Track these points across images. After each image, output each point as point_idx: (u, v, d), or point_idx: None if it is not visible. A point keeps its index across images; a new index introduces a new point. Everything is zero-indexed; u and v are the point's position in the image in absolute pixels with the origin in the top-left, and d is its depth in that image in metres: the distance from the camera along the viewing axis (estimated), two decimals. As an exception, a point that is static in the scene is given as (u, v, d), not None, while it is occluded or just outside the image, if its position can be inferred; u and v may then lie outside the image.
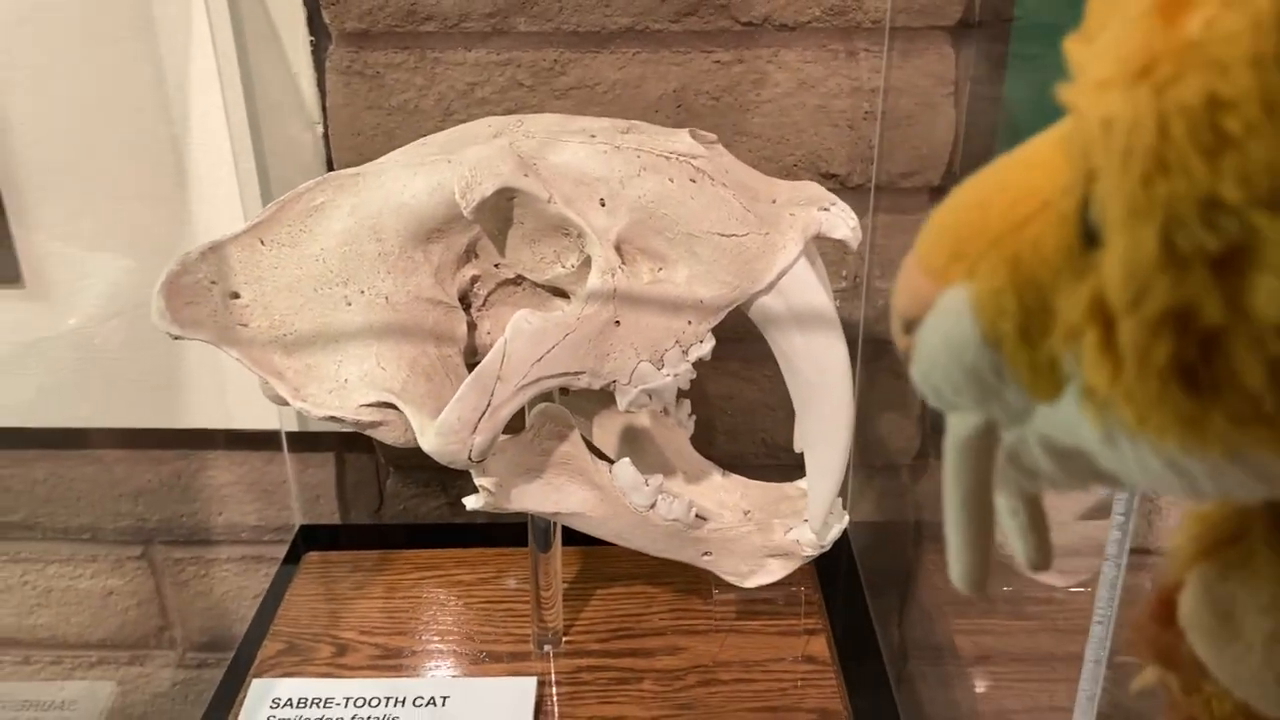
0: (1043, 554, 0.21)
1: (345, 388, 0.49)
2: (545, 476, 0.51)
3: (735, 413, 0.74)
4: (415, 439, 0.48)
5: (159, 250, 0.65)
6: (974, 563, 0.21)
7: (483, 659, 0.60)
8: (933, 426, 0.74)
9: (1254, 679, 0.20)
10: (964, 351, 0.18)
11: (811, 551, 0.56)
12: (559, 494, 0.51)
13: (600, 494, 0.52)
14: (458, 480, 0.77)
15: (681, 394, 0.57)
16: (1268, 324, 0.13)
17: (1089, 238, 0.16)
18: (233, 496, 0.81)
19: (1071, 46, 0.17)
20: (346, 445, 0.77)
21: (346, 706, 0.55)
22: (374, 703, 0.55)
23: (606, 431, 0.60)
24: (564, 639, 0.62)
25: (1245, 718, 0.23)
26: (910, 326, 0.20)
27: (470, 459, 0.46)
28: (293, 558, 0.71)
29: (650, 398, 0.49)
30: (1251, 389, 0.14)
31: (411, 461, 0.76)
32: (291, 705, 0.55)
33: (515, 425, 0.49)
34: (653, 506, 0.52)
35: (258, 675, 0.58)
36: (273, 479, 0.80)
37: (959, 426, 0.20)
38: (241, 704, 0.56)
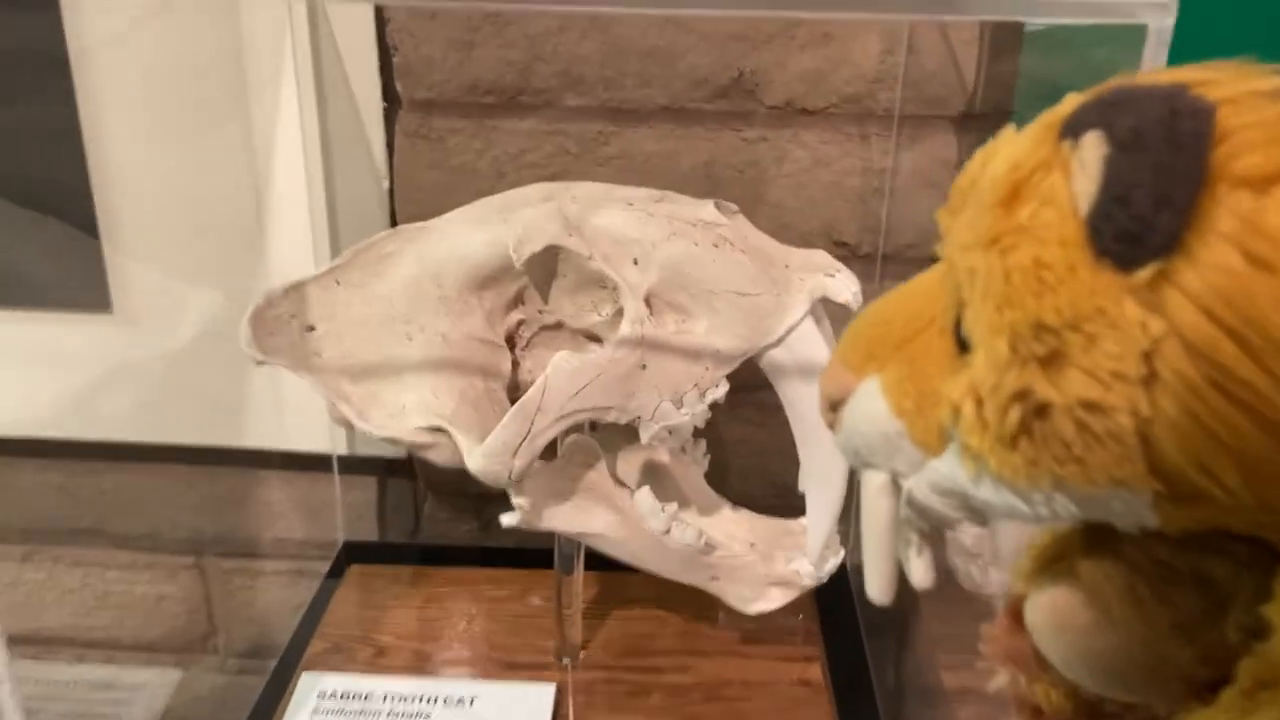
0: (926, 574, 0.29)
1: (403, 413, 0.56)
2: (573, 500, 0.57)
3: (748, 455, 0.80)
4: (462, 460, 0.55)
5: (237, 288, 0.72)
6: (886, 577, 0.29)
7: (506, 667, 0.66)
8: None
9: (1081, 660, 0.27)
10: (877, 422, 0.26)
11: (809, 581, 0.62)
12: (584, 516, 0.58)
13: (621, 518, 0.58)
14: (489, 506, 0.84)
15: (697, 433, 0.64)
16: (1075, 399, 0.21)
17: (962, 345, 0.24)
18: (282, 513, 0.87)
19: (941, 216, 0.25)
20: (389, 470, 0.84)
21: (385, 701, 0.61)
22: (409, 700, 0.61)
23: (629, 465, 0.66)
24: (581, 653, 0.68)
25: (1073, 700, 0.30)
26: (835, 406, 0.28)
27: (510, 479, 0.53)
28: (336, 570, 0.78)
29: (669, 433, 0.55)
30: (1067, 440, 0.21)
31: (449, 488, 0.83)
32: (336, 698, 0.61)
33: (548, 454, 0.56)
34: (667, 532, 0.58)
35: (305, 670, 0.64)
36: (319, 499, 0.86)
37: (872, 480, 0.28)
38: (291, 694, 0.62)
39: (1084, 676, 0.27)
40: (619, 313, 0.54)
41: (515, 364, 0.59)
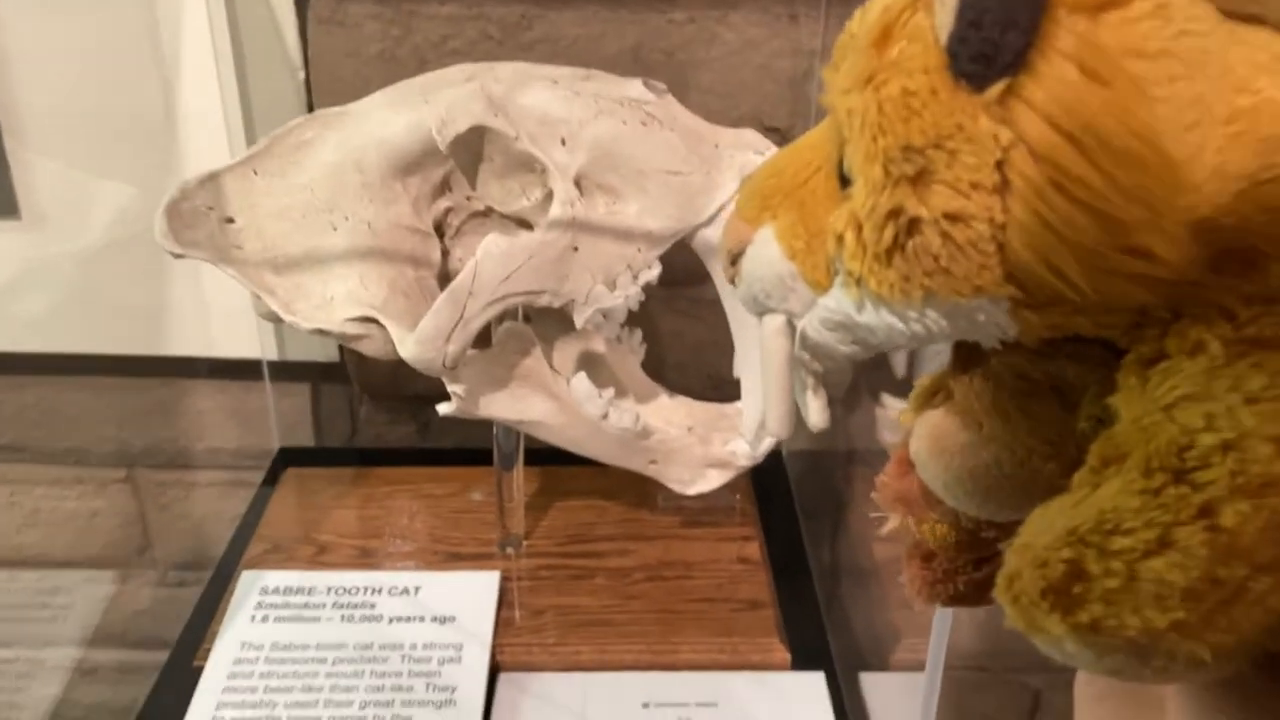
0: (822, 414, 0.31)
1: (331, 304, 0.54)
2: (510, 387, 0.57)
3: (683, 349, 0.80)
4: (394, 351, 0.54)
5: (151, 184, 0.70)
6: (786, 411, 0.31)
7: (450, 558, 0.67)
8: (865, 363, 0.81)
9: (958, 482, 0.29)
10: (772, 265, 0.28)
11: (745, 461, 0.63)
12: (522, 404, 0.58)
13: (559, 404, 0.58)
14: (426, 408, 0.83)
15: (632, 322, 0.64)
16: (940, 211, 0.22)
17: (844, 182, 0.25)
18: (214, 423, 0.86)
19: (826, 73, 0.27)
20: (323, 376, 0.83)
21: (329, 595, 0.61)
22: (353, 592, 0.62)
23: (565, 355, 0.66)
24: (524, 543, 0.68)
25: (956, 530, 0.32)
26: (734, 259, 0.30)
27: (444, 365, 0.52)
28: (272, 477, 0.77)
29: (604, 317, 0.55)
30: (934, 252, 0.23)
31: (385, 390, 0.82)
32: (279, 593, 0.61)
33: (483, 343, 0.56)
34: (605, 416, 0.59)
35: (245, 570, 0.64)
36: (252, 407, 0.85)
37: (770, 322, 0.29)
38: (231, 595, 0.62)
39: (962, 498, 0.29)
40: (548, 197, 0.53)
41: (445, 253, 0.58)
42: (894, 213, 0.23)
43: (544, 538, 0.69)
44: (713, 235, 0.55)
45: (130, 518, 0.89)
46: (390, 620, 0.60)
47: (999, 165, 0.21)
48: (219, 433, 0.86)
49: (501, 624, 0.61)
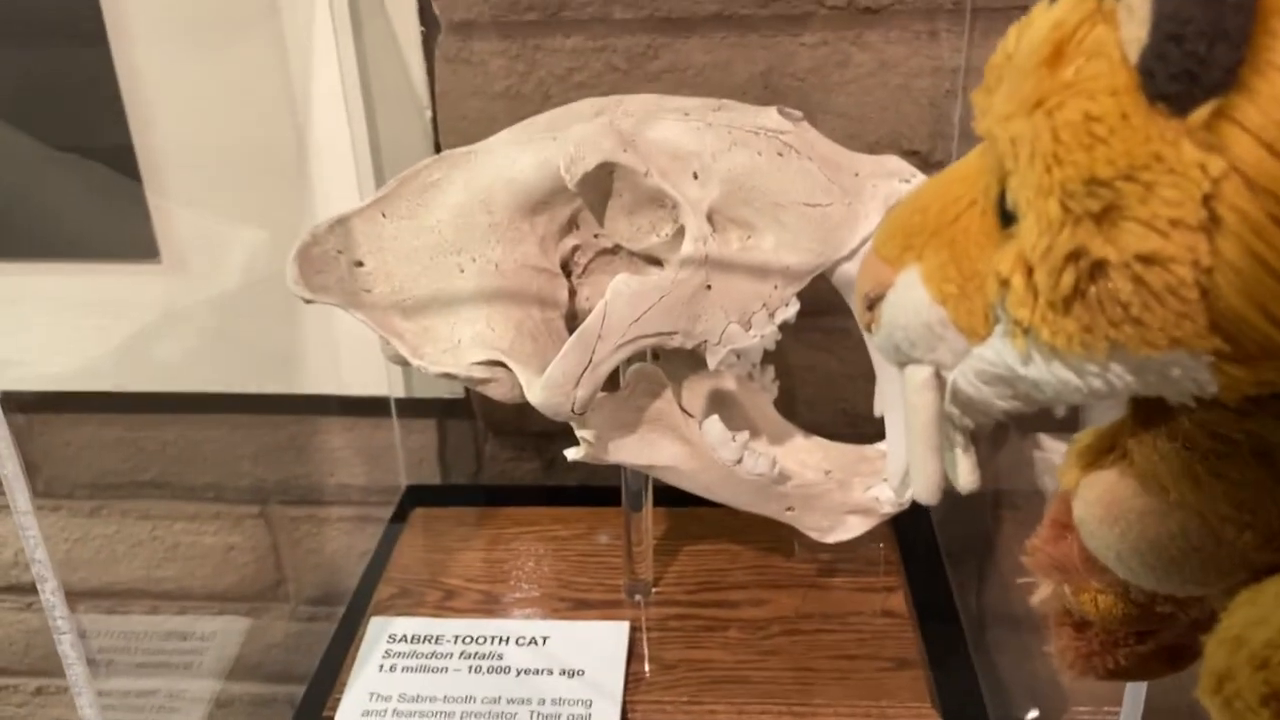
0: (972, 473, 0.28)
1: (459, 348, 0.53)
2: (640, 431, 0.55)
3: (816, 383, 0.77)
4: (522, 394, 0.53)
5: (283, 227, 0.70)
6: (934, 476, 0.28)
7: (577, 605, 0.65)
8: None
9: (1134, 552, 0.26)
10: (919, 312, 0.25)
11: (890, 509, 0.59)
12: (652, 448, 0.55)
13: (690, 449, 0.56)
14: (552, 445, 0.82)
15: (766, 359, 0.61)
16: (1132, 253, 0.20)
17: (1006, 219, 0.23)
18: (344, 459, 0.87)
19: (977, 97, 0.24)
20: (448, 412, 0.83)
21: (456, 644, 0.60)
22: (480, 640, 0.60)
23: (695, 395, 0.63)
24: (654, 590, 0.66)
25: (1124, 602, 0.29)
26: (872, 304, 0.27)
27: (573, 411, 0.50)
28: (400, 514, 0.77)
29: (738, 357, 0.52)
30: (1123, 300, 0.20)
31: (510, 427, 0.81)
32: (406, 640, 0.60)
33: (611, 385, 0.53)
34: (739, 461, 0.56)
35: (374, 615, 0.63)
36: (380, 443, 0.85)
37: (916, 375, 0.27)
38: (361, 640, 0.61)
39: (1138, 570, 0.26)
40: (679, 232, 0.51)
41: (572, 292, 0.56)
42: (1075, 254, 0.20)
43: (674, 584, 0.66)
44: (854, 270, 0.51)
45: (264, 552, 0.90)
46: (518, 673, 0.58)
47: (1207, 199, 0.19)
48: (348, 469, 0.87)
49: (631, 678, 0.59)
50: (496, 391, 0.53)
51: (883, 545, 0.67)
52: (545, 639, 0.60)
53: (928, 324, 0.25)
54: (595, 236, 0.55)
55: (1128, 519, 0.26)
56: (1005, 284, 0.22)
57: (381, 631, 0.61)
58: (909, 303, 0.26)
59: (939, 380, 0.26)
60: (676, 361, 0.62)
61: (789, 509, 0.59)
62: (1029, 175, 0.21)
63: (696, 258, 0.50)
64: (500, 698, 0.56)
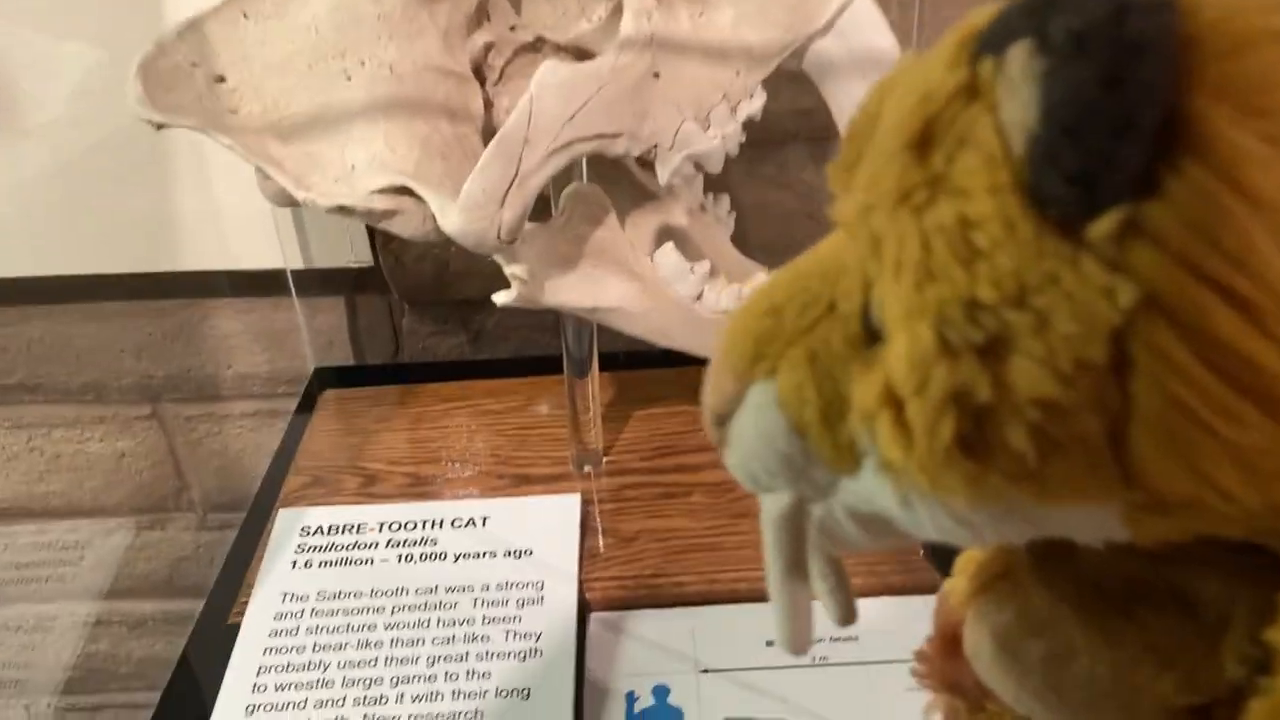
0: (848, 610, 0.24)
1: (353, 174, 0.43)
2: (581, 267, 0.46)
3: (771, 224, 0.68)
4: (434, 228, 0.43)
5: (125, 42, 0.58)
6: (799, 626, 0.24)
7: (519, 482, 0.57)
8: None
9: (1036, 697, 0.23)
10: (775, 439, 0.21)
11: (870, 345, 0.52)
12: (596, 286, 0.47)
13: (641, 286, 0.47)
14: (477, 315, 0.73)
15: (718, 187, 0.52)
16: (1025, 398, 0.16)
17: (871, 334, 0.19)
18: (241, 347, 0.76)
19: (832, 171, 0.20)
20: (357, 285, 0.73)
21: (381, 531, 0.52)
22: (410, 526, 0.52)
23: (640, 232, 0.54)
24: (605, 459, 0.58)
25: None
26: (721, 420, 0.23)
27: (499, 238, 0.41)
28: (309, 402, 0.67)
29: (697, 169, 0.44)
30: (1018, 451, 0.16)
31: (428, 297, 0.72)
32: (323, 533, 0.52)
33: (543, 215, 0.45)
34: (699, 297, 0.48)
35: (283, 508, 0.54)
36: (281, 326, 0.75)
37: (773, 506, 0.23)
38: (268, 536, 0.52)
39: (1040, 713, 0.23)
40: (616, 12, 0.42)
41: (489, 104, 0.46)
42: (956, 396, 0.17)
43: (626, 451, 0.59)
44: (831, 49, 0.42)
45: (160, 457, 0.80)
46: (456, 558, 0.50)
47: (1116, 335, 0.16)
48: (247, 358, 0.76)
49: (586, 555, 0.51)
50: (404, 226, 0.44)
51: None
52: (485, 519, 0.52)
53: (786, 454, 0.21)
54: (512, 29, 0.45)
55: (1026, 662, 0.23)
56: (871, 420, 0.19)
57: (292, 525, 0.52)
58: (762, 428, 0.21)
59: (802, 512, 0.22)
60: (614, 193, 0.53)
61: (756, 352, 0.51)
62: (896, 289, 0.17)
63: (639, 38, 0.40)
64: (437, 587, 0.49)
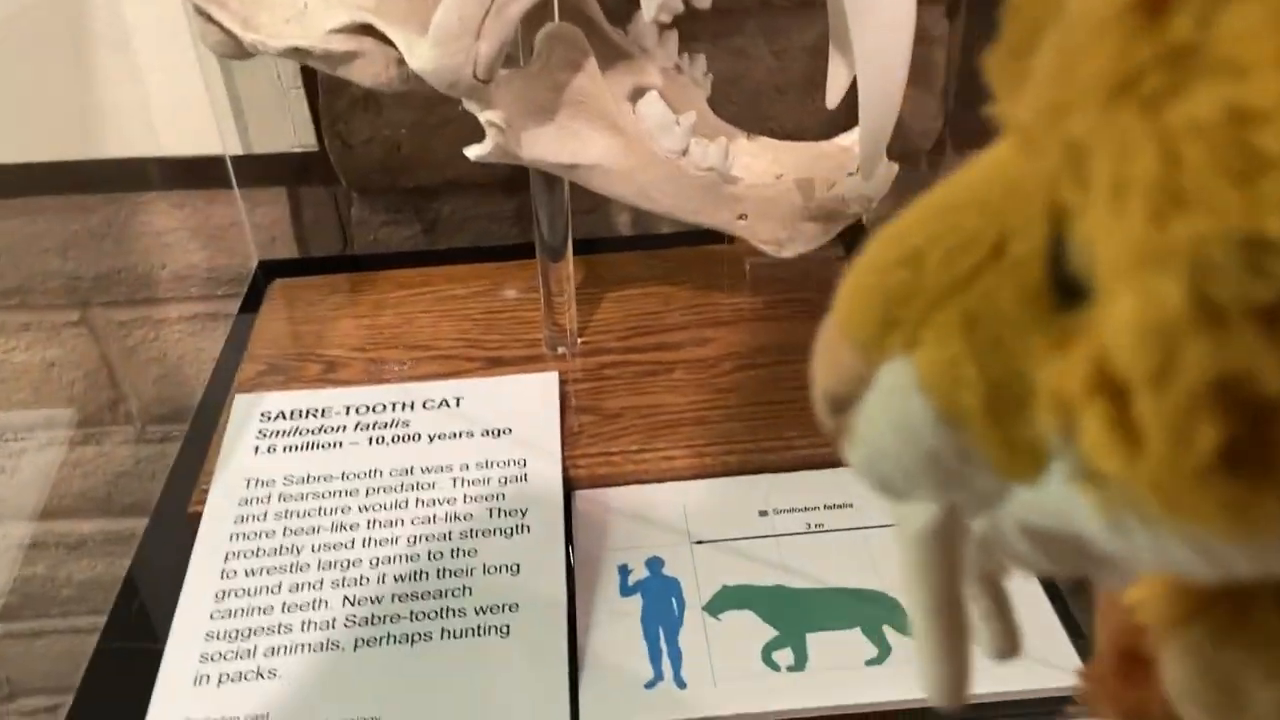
0: (1009, 640, 0.20)
1: (306, 12, 0.39)
2: (559, 119, 0.43)
3: (740, 100, 0.66)
4: (398, 74, 0.40)
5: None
6: (954, 673, 0.19)
7: (489, 364, 0.54)
8: (960, 102, 0.67)
9: None
10: (919, 435, 0.16)
11: (858, 208, 0.50)
12: (576, 140, 0.44)
13: (624, 141, 0.44)
14: (433, 203, 0.69)
15: (693, 47, 0.49)
16: None
17: (1065, 289, 0.14)
18: (176, 245, 0.71)
19: (993, 61, 0.15)
20: (301, 174, 0.68)
21: (348, 415, 0.49)
22: (379, 409, 0.49)
23: (614, 91, 0.51)
24: (579, 341, 0.55)
25: None
26: (840, 406, 0.18)
27: (476, 75, 0.38)
28: (255, 294, 0.63)
29: (685, 3, 0.40)
30: None
31: (378, 184, 0.67)
32: (285, 417, 0.48)
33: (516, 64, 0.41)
34: (685, 152, 0.45)
35: (239, 394, 0.51)
36: (219, 221, 0.70)
37: (915, 519, 0.18)
38: (225, 424, 0.49)
39: None
40: None
41: (454, -61, 0.42)
42: (1222, 386, 0.11)
43: (602, 332, 0.56)
44: None
45: (93, 367, 0.76)
46: (431, 439, 0.48)
47: None
48: (183, 256, 0.72)
49: (567, 433, 0.49)
50: (365, 71, 0.40)
51: (841, 259, 0.58)
52: (459, 400, 0.50)
53: (933, 453, 0.16)
54: None
55: (1261, 712, 0.17)
56: (1071, 412, 0.13)
57: (250, 410, 0.49)
58: (900, 417, 0.16)
59: (957, 527, 0.17)
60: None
61: (741, 217, 0.48)
62: (1117, 223, 0.12)
63: None
64: (413, 467, 0.46)
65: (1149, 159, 0.11)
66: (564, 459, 0.47)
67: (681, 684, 0.39)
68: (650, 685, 0.39)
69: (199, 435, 0.50)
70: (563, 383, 0.52)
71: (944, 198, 0.16)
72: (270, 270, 0.67)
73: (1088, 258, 0.13)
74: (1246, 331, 0.11)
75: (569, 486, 0.47)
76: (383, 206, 0.69)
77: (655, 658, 0.40)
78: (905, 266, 0.16)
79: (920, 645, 0.19)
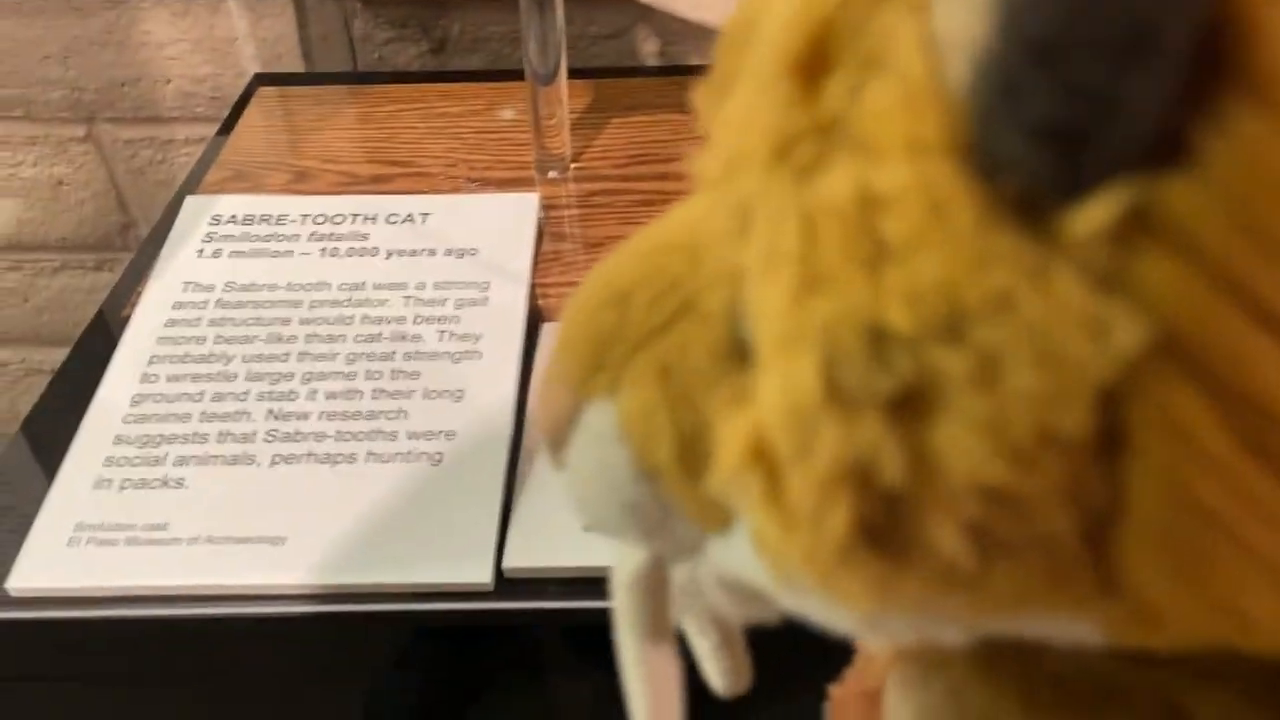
0: (737, 675, 0.20)
1: None
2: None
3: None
4: None
5: None
6: (664, 708, 0.19)
7: (471, 184, 0.49)
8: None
9: None
10: (619, 484, 0.15)
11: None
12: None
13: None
14: (442, 18, 0.63)
15: None
16: (960, 482, 0.11)
17: (741, 351, 0.13)
18: (179, 59, 0.67)
19: (700, 93, 0.15)
20: (304, -16, 0.63)
21: (304, 223, 0.44)
22: (337, 219, 0.45)
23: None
24: (572, 166, 0.50)
25: None
26: (559, 444, 0.17)
27: None
28: (243, 101, 0.59)
29: None
30: (946, 554, 0.11)
31: (384, -7, 0.62)
32: (236, 221, 0.44)
33: None
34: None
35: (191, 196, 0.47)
36: (222, 34, 0.66)
37: (625, 564, 0.18)
38: (171, 226, 0.45)
39: None
40: None
41: None
42: (855, 470, 0.11)
43: (598, 158, 0.51)
44: None
45: (101, 187, 0.73)
46: (389, 254, 0.43)
47: (1107, 397, 0.10)
48: (186, 71, 0.68)
49: (543, 258, 0.44)
50: None
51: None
52: (425, 215, 0.45)
53: (632, 503, 0.15)
54: None
55: None
56: (738, 477, 0.13)
57: (200, 212, 0.45)
58: (602, 464, 0.16)
59: (659, 576, 0.18)
60: None
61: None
62: (769, 294, 0.12)
63: None
64: (365, 283, 0.42)
65: (793, 234, 0.11)
66: (535, 287, 0.43)
67: (621, 529, 0.34)
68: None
69: (155, 243, 0.47)
70: (547, 208, 0.47)
71: (656, 237, 0.15)
72: (265, 83, 0.62)
73: (753, 323, 0.12)
74: (871, 421, 0.11)
75: (539, 317, 0.42)
76: (387, 21, 0.64)
77: (597, 499, 0.35)
78: (613, 308, 0.15)
79: (629, 686, 0.19)
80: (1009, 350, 0.10)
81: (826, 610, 0.14)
